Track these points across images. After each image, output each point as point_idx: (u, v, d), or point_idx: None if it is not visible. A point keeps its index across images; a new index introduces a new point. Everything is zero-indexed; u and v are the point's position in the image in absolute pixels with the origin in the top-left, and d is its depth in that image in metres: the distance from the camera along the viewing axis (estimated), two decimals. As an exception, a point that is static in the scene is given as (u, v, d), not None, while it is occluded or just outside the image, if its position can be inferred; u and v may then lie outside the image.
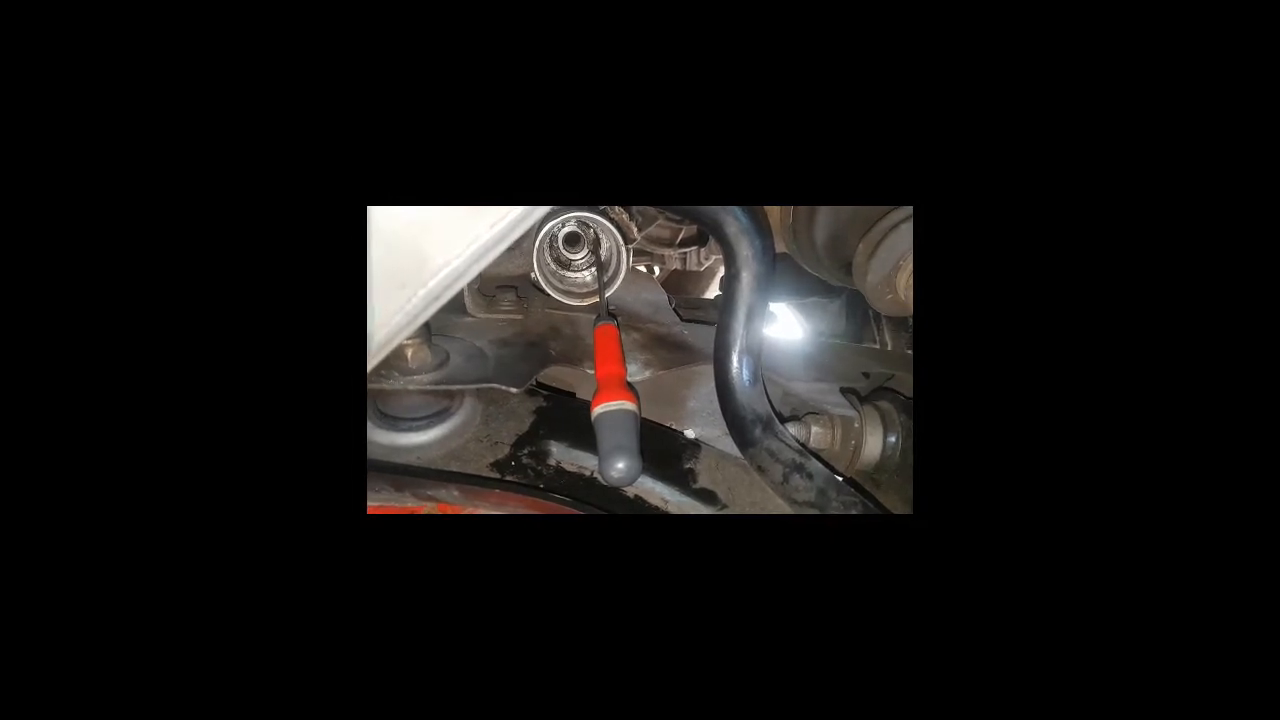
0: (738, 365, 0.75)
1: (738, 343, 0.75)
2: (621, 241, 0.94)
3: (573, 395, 0.82)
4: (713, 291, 1.99)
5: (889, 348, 1.05)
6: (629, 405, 0.67)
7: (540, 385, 0.80)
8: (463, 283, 0.47)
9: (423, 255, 0.44)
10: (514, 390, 0.73)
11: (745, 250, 0.75)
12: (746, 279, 0.76)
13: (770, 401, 0.77)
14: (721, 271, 2.14)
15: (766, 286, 0.77)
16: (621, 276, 0.95)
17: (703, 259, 1.75)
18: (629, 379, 0.79)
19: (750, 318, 0.76)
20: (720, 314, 0.79)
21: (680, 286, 1.85)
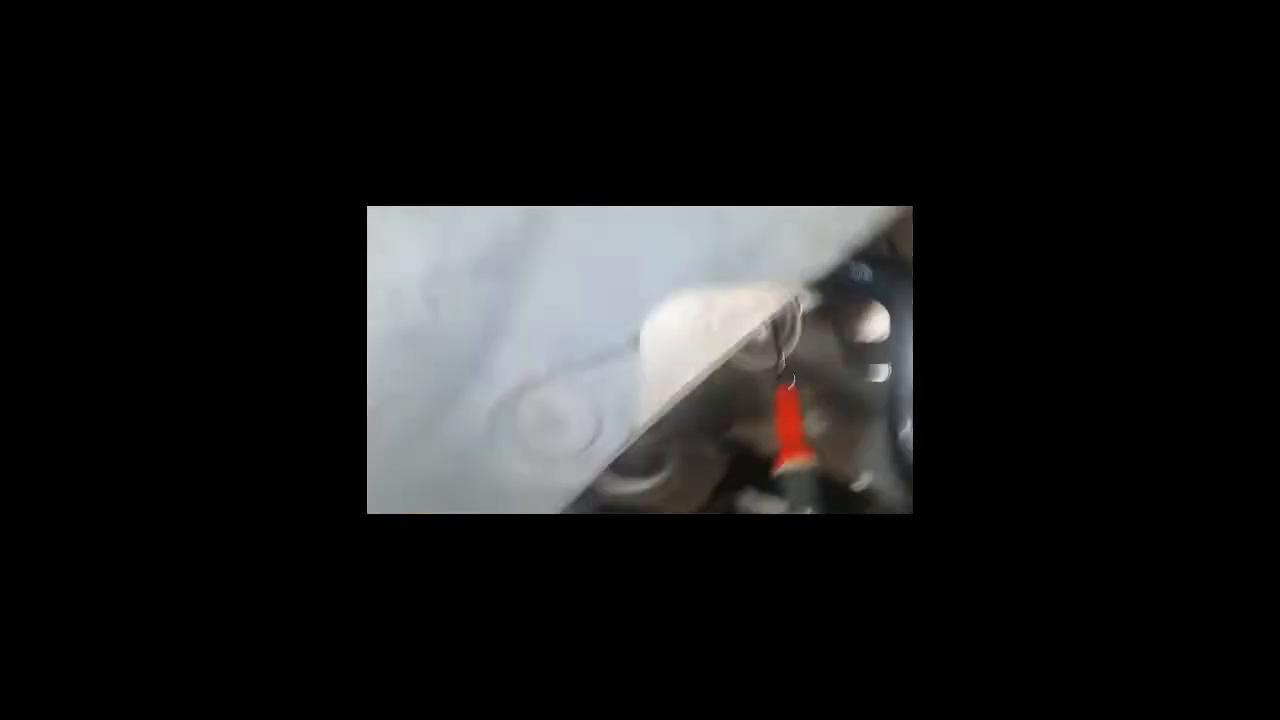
0: (905, 421, 0.84)
1: (905, 402, 0.84)
2: (796, 305, 1.06)
3: (756, 448, 0.96)
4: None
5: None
6: (808, 463, 0.79)
7: (730, 439, 0.96)
8: (700, 380, 0.53)
9: (678, 363, 0.51)
10: (712, 449, 0.90)
11: (900, 308, 0.83)
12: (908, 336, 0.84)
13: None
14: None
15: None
16: (797, 338, 1.06)
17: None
18: (807, 433, 0.90)
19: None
20: (890, 369, 0.88)
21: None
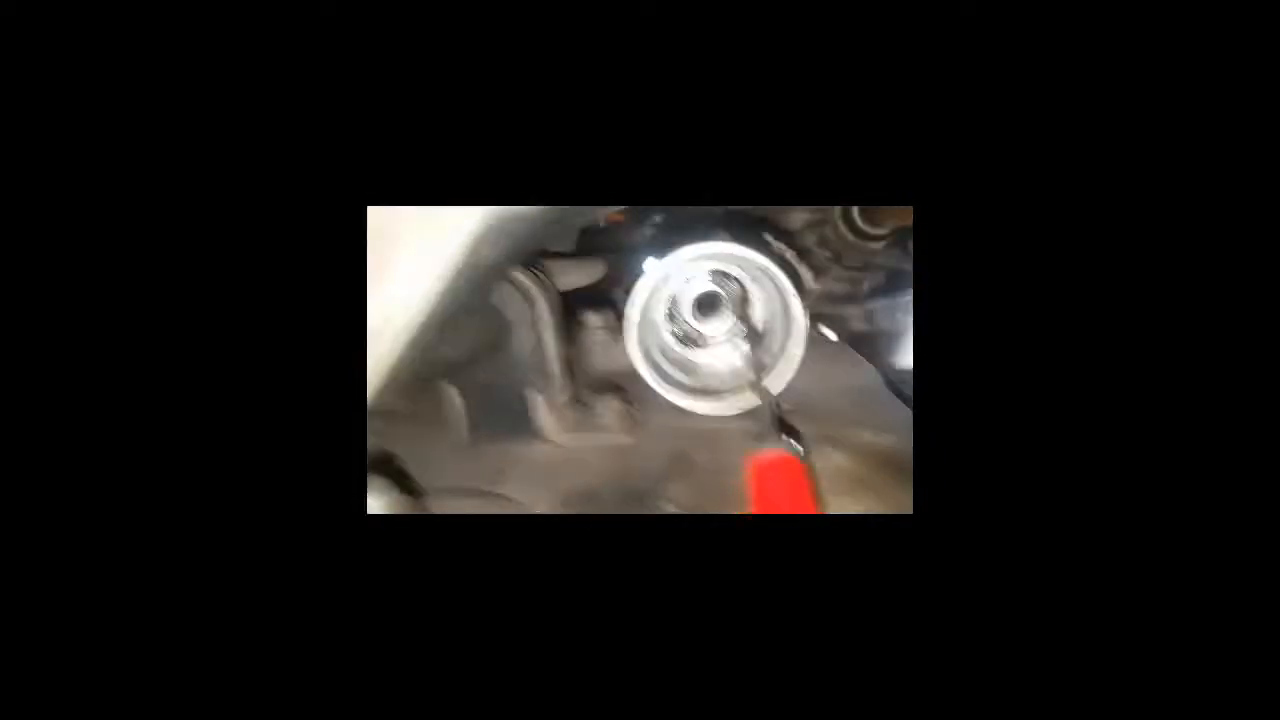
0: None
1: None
2: (792, 291, 0.54)
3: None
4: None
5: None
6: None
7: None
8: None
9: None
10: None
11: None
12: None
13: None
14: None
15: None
16: (797, 354, 0.54)
17: (900, 313, 1.25)
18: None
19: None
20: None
21: (870, 357, 1.38)
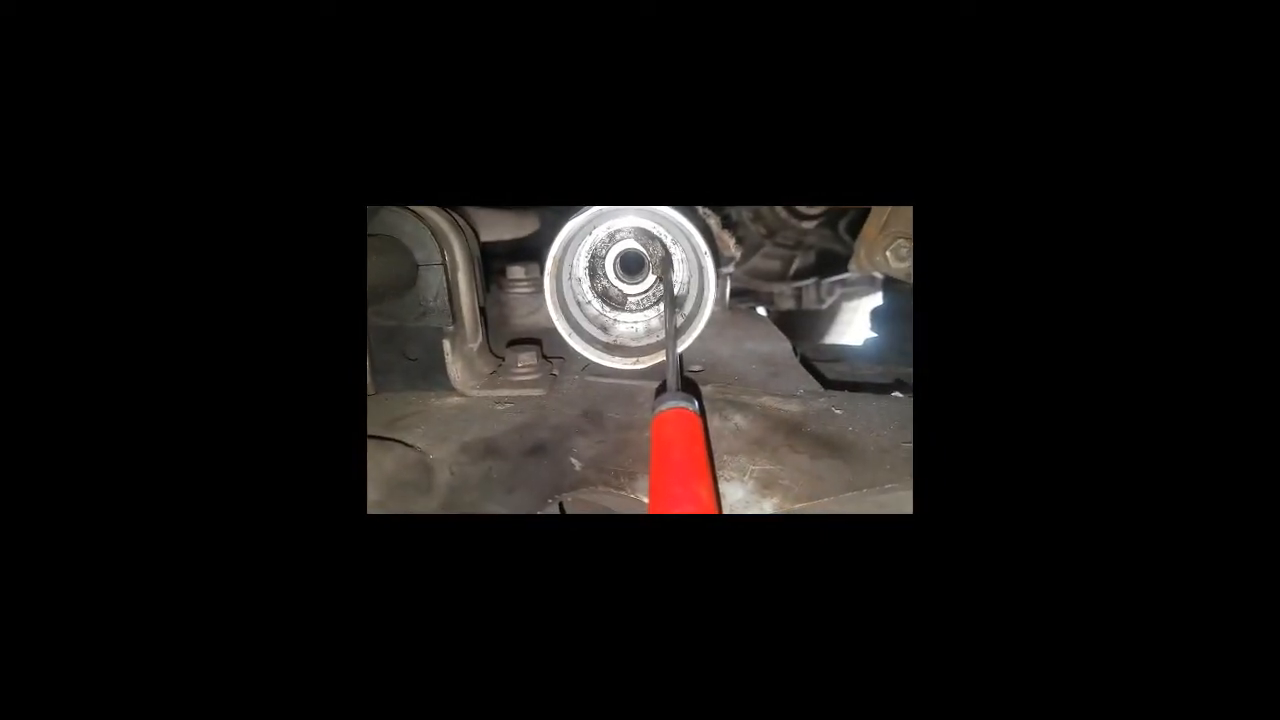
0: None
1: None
2: (709, 258, 0.55)
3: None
4: (840, 334, 1.53)
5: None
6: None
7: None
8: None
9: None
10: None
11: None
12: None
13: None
14: (851, 305, 1.63)
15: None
16: (705, 316, 0.55)
17: (824, 294, 1.29)
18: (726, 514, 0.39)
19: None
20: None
21: (792, 332, 1.42)
